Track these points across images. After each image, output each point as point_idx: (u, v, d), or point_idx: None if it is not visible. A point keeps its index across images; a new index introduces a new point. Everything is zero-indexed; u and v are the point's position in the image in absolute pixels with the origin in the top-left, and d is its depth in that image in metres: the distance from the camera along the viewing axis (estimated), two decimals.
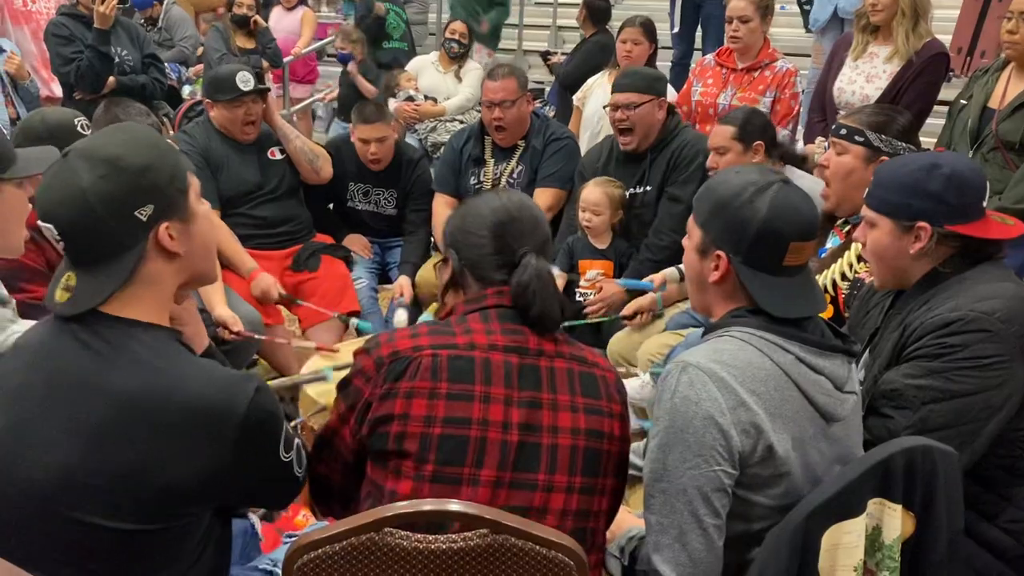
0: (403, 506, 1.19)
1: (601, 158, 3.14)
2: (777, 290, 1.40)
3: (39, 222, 1.22)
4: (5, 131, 3.44)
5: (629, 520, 1.63)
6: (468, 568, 1.16)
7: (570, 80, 4.86)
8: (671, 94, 3.51)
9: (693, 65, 4.16)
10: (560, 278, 3.01)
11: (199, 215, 1.30)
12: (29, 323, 1.51)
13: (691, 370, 1.35)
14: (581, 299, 2.99)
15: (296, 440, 1.33)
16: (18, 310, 1.97)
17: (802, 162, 2.94)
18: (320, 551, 1.16)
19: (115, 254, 1.22)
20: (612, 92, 3.05)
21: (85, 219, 1.19)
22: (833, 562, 1.30)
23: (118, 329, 1.22)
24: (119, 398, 1.17)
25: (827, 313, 2.10)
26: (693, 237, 1.49)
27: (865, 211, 1.73)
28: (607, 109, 3.07)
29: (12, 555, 1.17)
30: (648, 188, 3.02)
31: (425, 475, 1.29)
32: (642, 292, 2.87)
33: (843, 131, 2.15)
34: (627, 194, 3.03)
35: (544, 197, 3.19)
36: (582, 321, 2.90)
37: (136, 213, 1.21)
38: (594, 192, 2.99)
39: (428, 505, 1.20)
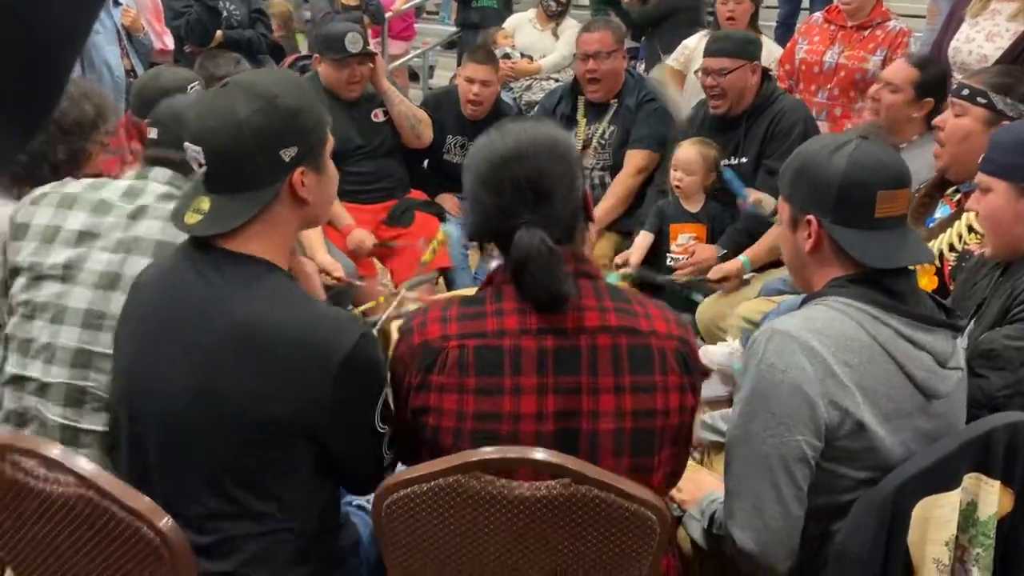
0: (489, 451, 1.21)
1: (695, 124, 3.06)
2: (872, 243, 1.35)
3: (186, 143, 1.28)
4: (121, 83, 3.60)
5: (712, 484, 1.62)
6: (550, 516, 1.19)
7: (644, 21, 4.68)
8: (774, 53, 3.40)
9: (799, 24, 4.00)
10: (644, 238, 2.98)
11: (330, 171, 1.37)
12: None
13: (779, 337, 1.33)
14: (672, 263, 2.95)
15: (389, 430, 1.34)
16: None
17: None
18: (409, 490, 1.20)
19: (253, 187, 1.27)
20: (704, 56, 2.97)
21: (236, 148, 1.25)
22: (923, 535, 1.27)
23: (239, 264, 1.28)
24: (234, 325, 1.23)
25: (931, 285, 2.03)
26: (783, 214, 1.47)
27: (980, 177, 1.66)
28: (698, 74, 2.99)
29: (152, 490, 1.23)
30: (744, 160, 2.91)
31: None
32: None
33: (965, 92, 2.05)
34: (721, 164, 2.96)
35: (635, 159, 3.15)
36: (669, 280, 2.85)
37: (281, 152, 1.27)
38: (688, 151, 2.92)
39: (513, 452, 1.22)
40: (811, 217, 1.39)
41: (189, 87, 2.29)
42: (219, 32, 4.00)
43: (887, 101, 2.62)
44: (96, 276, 1.55)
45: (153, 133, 1.72)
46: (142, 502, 1.13)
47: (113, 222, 1.58)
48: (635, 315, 1.31)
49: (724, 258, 2.86)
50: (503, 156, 1.29)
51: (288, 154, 1.27)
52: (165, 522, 1.13)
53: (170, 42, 4.31)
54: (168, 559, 1.14)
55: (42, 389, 1.52)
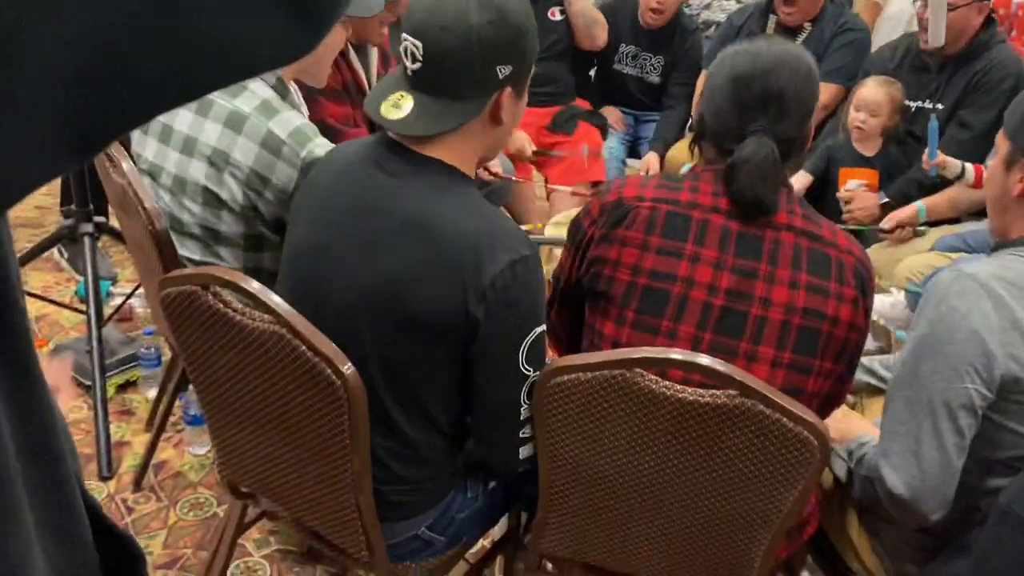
0: (653, 351, 1.22)
1: (894, 60, 2.83)
2: None
3: (403, 34, 1.26)
4: None
5: (863, 427, 1.58)
6: (712, 423, 1.19)
7: None
8: None
9: None
10: (802, 179, 2.84)
11: (524, 101, 1.36)
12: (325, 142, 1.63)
13: (966, 280, 1.26)
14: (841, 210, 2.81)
15: (534, 376, 1.28)
16: None
17: None
18: (573, 376, 1.22)
19: (463, 96, 1.26)
20: None
21: (460, 51, 1.22)
22: None
23: (425, 166, 1.28)
24: (405, 215, 1.24)
25: None
26: (1001, 150, 1.37)
27: None
28: (918, 3, 2.77)
29: None
30: (940, 106, 2.70)
31: (626, 320, 1.33)
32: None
33: None
34: (913, 107, 2.76)
35: (823, 93, 2.99)
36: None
37: (498, 67, 1.25)
38: (875, 91, 2.73)
39: (677, 355, 1.22)
40: None
41: None
42: None
43: None
44: (170, 178, 1.65)
45: None
46: (329, 347, 1.20)
47: (183, 117, 1.63)
48: (820, 226, 1.36)
49: (886, 207, 2.71)
50: (757, 67, 1.32)
51: (504, 71, 1.26)
52: (347, 368, 1.20)
53: None
54: (346, 401, 1.21)
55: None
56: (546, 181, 3.33)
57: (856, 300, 1.33)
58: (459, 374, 1.31)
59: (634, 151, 3.55)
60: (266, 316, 1.23)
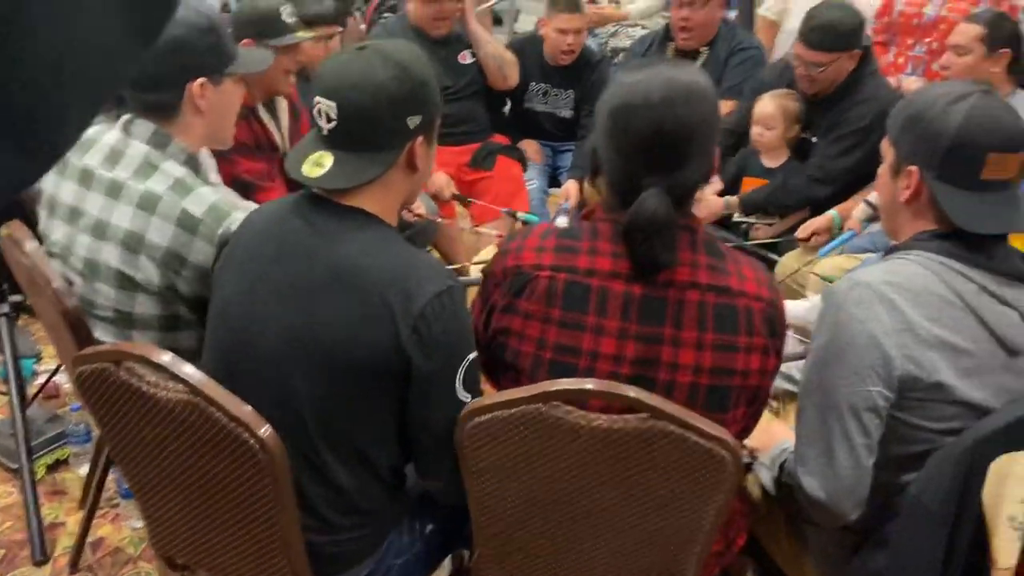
0: (571, 382, 1.25)
1: (781, 85, 2.90)
2: (972, 206, 1.32)
3: (316, 97, 1.32)
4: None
5: (785, 434, 1.63)
6: (627, 448, 1.22)
7: None
8: (874, 6, 3.27)
9: None
10: (714, 186, 2.92)
11: (435, 147, 1.42)
12: (251, 204, 1.64)
13: (860, 288, 1.32)
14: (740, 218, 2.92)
15: (470, 400, 1.31)
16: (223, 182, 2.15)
17: None
18: (492, 415, 1.25)
19: (378, 148, 1.33)
20: (799, 42, 2.72)
21: (370, 108, 1.29)
22: (999, 492, 1.27)
23: (348, 217, 1.32)
24: (334, 265, 1.28)
25: None
26: (887, 157, 1.44)
27: None
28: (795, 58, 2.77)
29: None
30: (814, 139, 2.82)
31: None
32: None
33: None
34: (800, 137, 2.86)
35: (724, 110, 3.10)
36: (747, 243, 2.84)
37: (407, 119, 1.32)
38: (768, 105, 2.83)
39: (591, 384, 1.25)
40: (913, 168, 1.37)
41: (281, 8, 2.35)
42: None
43: (959, 66, 2.54)
44: (81, 262, 1.63)
45: None
46: (244, 411, 1.20)
47: (93, 200, 1.62)
48: (727, 273, 1.31)
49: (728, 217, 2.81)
50: (650, 116, 1.24)
51: (413, 121, 1.33)
52: (264, 431, 1.20)
53: None
54: (267, 464, 1.22)
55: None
56: (472, 219, 3.37)
57: (766, 348, 1.32)
58: (396, 415, 1.33)
59: (555, 180, 3.61)
60: (180, 387, 1.23)
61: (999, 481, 1.26)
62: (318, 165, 1.32)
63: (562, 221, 3.12)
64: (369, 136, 1.32)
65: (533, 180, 3.44)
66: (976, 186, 1.33)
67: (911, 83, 3.23)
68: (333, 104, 1.30)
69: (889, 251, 1.45)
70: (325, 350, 1.27)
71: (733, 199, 2.89)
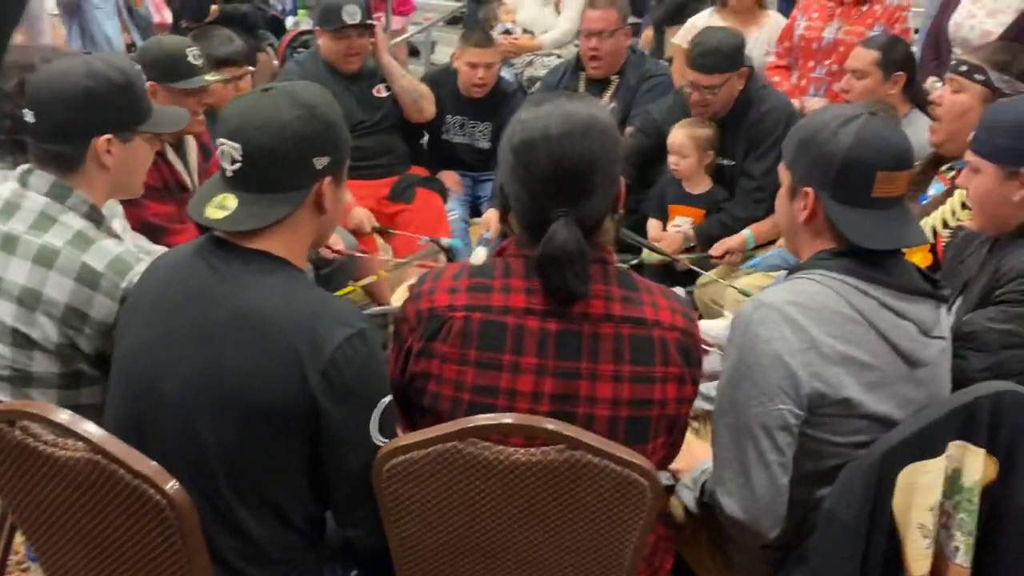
0: (487, 418, 1.24)
1: (676, 115, 2.97)
2: (866, 223, 1.37)
3: (220, 139, 1.29)
4: None
5: (706, 453, 1.65)
6: (545, 480, 1.22)
7: (663, 20, 4.67)
8: (783, 24, 3.39)
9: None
10: (654, 227, 2.98)
11: (344, 189, 1.40)
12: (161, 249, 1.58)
13: (765, 309, 1.36)
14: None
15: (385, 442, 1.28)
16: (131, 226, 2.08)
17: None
18: (409, 455, 1.23)
19: (283, 189, 1.30)
20: (691, 69, 2.83)
21: (275, 149, 1.27)
22: (908, 501, 1.31)
23: (253, 261, 1.29)
24: (239, 310, 1.25)
25: (925, 261, 2.05)
26: (783, 180, 1.49)
27: (969, 156, 1.68)
28: (687, 87, 2.87)
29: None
30: (732, 163, 2.91)
31: None
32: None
33: (963, 68, 2.06)
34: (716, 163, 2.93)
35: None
36: (637, 258, 2.84)
37: (314, 159, 1.30)
38: (678, 135, 2.88)
39: (508, 419, 1.25)
40: (809, 190, 1.41)
41: (187, 50, 2.30)
42: (214, 6, 4.02)
43: (858, 89, 2.66)
44: (6, 332, 1.54)
45: (30, 116, 1.52)
46: (149, 466, 1.16)
47: (16, 267, 1.52)
48: (640, 304, 1.32)
49: (690, 250, 2.88)
50: (540, 139, 1.26)
51: (320, 162, 1.31)
52: (171, 486, 1.16)
53: (168, 16, 4.34)
54: (175, 521, 1.17)
55: None
56: (393, 252, 3.34)
57: (682, 376, 1.34)
58: (308, 462, 1.30)
59: (476, 211, 3.62)
60: (80, 444, 1.18)
61: (908, 491, 1.30)
62: (222, 208, 1.29)
63: (480, 255, 3.13)
64: (274, 177, 1.30)
65: (454, 211, 3.44)
66: (868, 204, 1.37)
67: (814, 103, 3.35)
68: (237, 145, 1.28)
69: (792, 271, 1.49)
70: (231, 397, 1.24)
71: (690, 232, 2.93)
